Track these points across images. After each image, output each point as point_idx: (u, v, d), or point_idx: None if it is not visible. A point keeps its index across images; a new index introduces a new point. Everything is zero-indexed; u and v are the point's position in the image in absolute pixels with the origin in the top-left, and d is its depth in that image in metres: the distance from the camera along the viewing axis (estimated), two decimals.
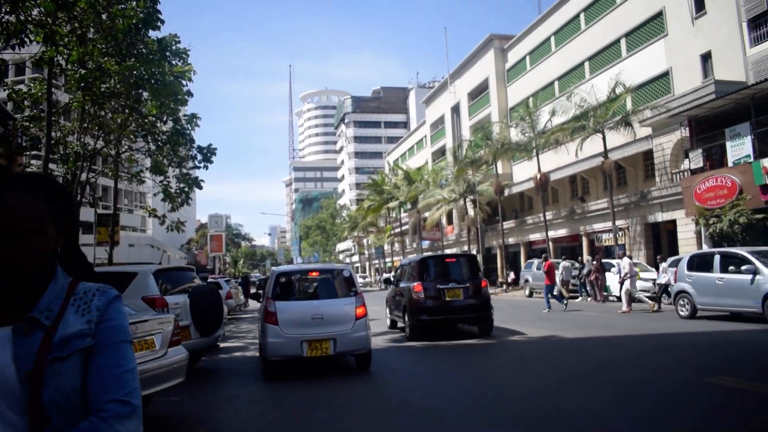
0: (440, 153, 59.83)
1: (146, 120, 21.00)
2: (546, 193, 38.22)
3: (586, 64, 36.85)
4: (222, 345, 14.30)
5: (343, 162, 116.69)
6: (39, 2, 14.33)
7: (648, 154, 30.88)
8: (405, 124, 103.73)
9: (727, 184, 21.91)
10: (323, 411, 7.06)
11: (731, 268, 13.93)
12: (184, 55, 20.73)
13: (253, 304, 27.22)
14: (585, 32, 37.01)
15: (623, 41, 33.37)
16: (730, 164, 22.44)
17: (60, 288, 1.59)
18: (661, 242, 29.82)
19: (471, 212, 45.36)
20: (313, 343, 9.02)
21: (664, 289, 19.78)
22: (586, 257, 26.73)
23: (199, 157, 22.24)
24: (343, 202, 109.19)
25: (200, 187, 23.90)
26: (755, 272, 13.15)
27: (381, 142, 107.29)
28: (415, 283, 13.61)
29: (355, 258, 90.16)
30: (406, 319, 13.88)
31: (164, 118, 21.33)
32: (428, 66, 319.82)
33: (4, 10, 13.32)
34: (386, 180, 62.13)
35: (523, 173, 42.67)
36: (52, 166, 23.21)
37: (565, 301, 20.72)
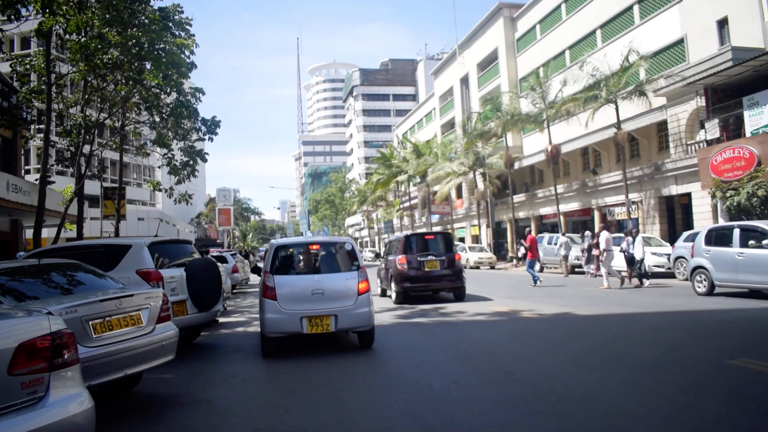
0: (449, 125, 59.11)
1: (150, 92, 20.64)
2: (557, 165, 37.60)
3: (598, 33, 35.90)
4: (225, 320, 14.01)
5: (351, 135, 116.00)
6: None
7: (662, 125, 30.13)
8: (414, 97, 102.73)
9: (744, 155, 21.22)
10: (322, 390, 6.69)
11: (752, 242, 13.36)
12: (186, 26, 20.33)
13: (255, 279, 26.98)
14: None
15: (636, 8, 32.38)
16: (747, 134, 21.75)
17: None
18: (675, 216, 29.24)
19: (481, 186, 44.86)
20: (314, 320, 8.64)
21: (631, 261, 18.98)
22: (587, 232, 26.13)
23: (204, 129, 22.00)
24: (352, 176, 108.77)
25: (204, 160, 23.67)
26: None
27: (390, 115, 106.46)
28: (400, 256, 16.01)
29: (365, 232, 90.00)
30: (393, 286, 16.22)
31: (167, 90, 21.01)
32: (437, 37, 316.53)
33: None
34: (395, 153, 61.61)
35: (533, 146, 41.96)
36: (54, 138, 22.93)
37: (540, 281, 20.02)
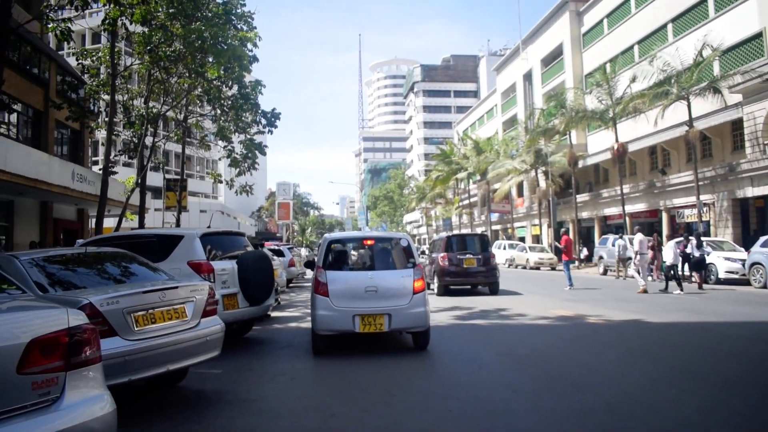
0: (511, 122, 57.97)
1: (211, 85, 20.78)
2: (623, 164, 36.20)
3: (669, 27, 34.33)
4: (278, 314, 13.84)
5: (411, 132, 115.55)
6: None
7: (737, 124, 28.51)
8: (475, 93, 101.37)
9: None
10: (372, 393, 6.32)
11: None
12: (248, 19, 20.38)
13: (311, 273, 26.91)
14: None
15: (711, 0, 30.80)
16: None
17: None
18: (749, 219, 27.69)
19: (542, 184, 43.81)
20: (366, 318, 8.27)
21: (699, 265, 18.22)
22: (632, 236, 25.14)
23: (264, 122, 22.04)
24: (411, 172, 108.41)
25: (263, 153, 23.73)
26: None
27: (450, 111, 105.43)
28: (442, 254, 18.27)
29: (423, 229, 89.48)
30: (435, 280, 18.47)
31: (229, 83, 21.14)
32: (499, 33, 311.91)
33: None
34: (455, 150, 60.93)
35: (598, 144, 40.58)
36: (119, 129, 23.37)
37: (572, 286, 19.18)
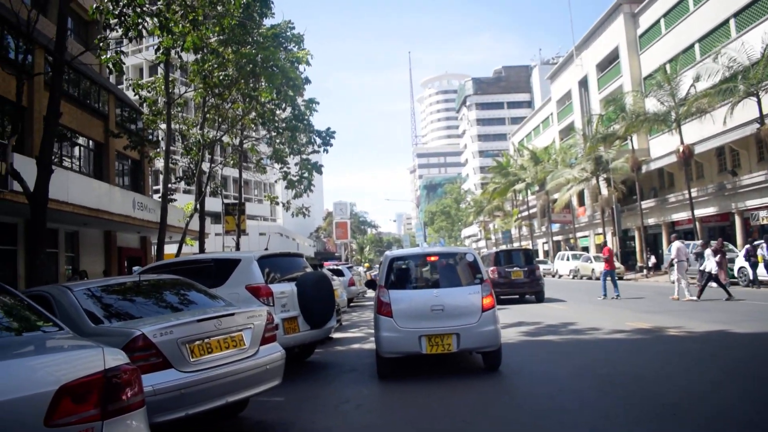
0: (568, 130, 56.56)
1: (265, 108, 20.89)
2: (689, 167, 34.66)
3: (732, 22, 32.74)
4: (340, 335, 13.50)
5: (466, 146, 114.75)
6: None
7: None
8: (529, 104, 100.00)
9: None
10: (444, 422, 5.85)
11: None
12: (298, 41, 20.46)
13: (372, 292, 26.66)
14: None
15: None
16: None
17: None
18: None
19: (604, 192, 42.50)
20: (433, 339, 7.80)
21: (708, 278, 17.09)
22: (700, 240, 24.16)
23: (318, 141, 22.01)
24: (467, 186, 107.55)
25: (320, 172, 23.73)
26: None
27: (504, 123, 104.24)
28: (492, 267, 19.93)
29: (482, 243, 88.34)
30: None
31: (283, 106, 21.22)
32: (551, 42, 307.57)
33: (122, 3, 13.30)
34: (511, 161, 60.02)
35: (661, 148, 39.01)
36: (177, 157, 23.70)
37: (605, 296, 19.31)
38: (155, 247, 26.26)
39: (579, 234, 51.96)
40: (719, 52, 28.14)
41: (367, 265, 60.64)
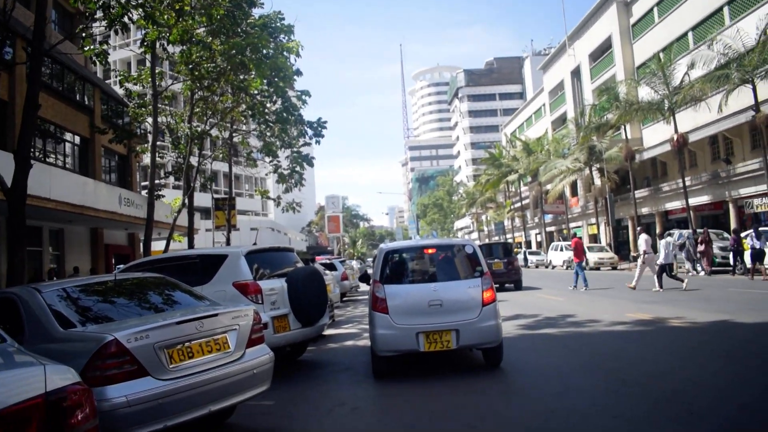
0: (561, 121, 56.30)
1: (255, 100, 20.39)
2: (683, 156, 34.36)
3: (725, 9, 32.38)
4: (333, 332, 13.09)
5: (458, 138, 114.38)
6: None
7: None
8: (521, 95, 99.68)
9: None
10: (447, 426, 5.46)
11: None
12: (288, 31, 19.95)
13: (365, 286, 26.35)
14: None
15: None
16: None
17: None
18: None
19: (597, 182, 42.26)
20: (432, 335, 7.39)
21: (662, 268, 17.45)
22: (686, 231, 24.53)
23: (310, 132, 21.54)
24: (459, 178, 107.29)
25: (311, 165, 23.29)
26: None
27: (496, 114, 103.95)
28: None
29: (474, 235, 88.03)
30: None
31: (273, 98, 20.72)
32: (542, 33, 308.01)
33: None
34: (504, 153, 59.70)
35: (654, 137, 38.70)
36: (164, 152, 23.18)
37: (575, 287, 19.62)
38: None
39: (572, 224, 51.70)
40: (714, 39, 27.78)
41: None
